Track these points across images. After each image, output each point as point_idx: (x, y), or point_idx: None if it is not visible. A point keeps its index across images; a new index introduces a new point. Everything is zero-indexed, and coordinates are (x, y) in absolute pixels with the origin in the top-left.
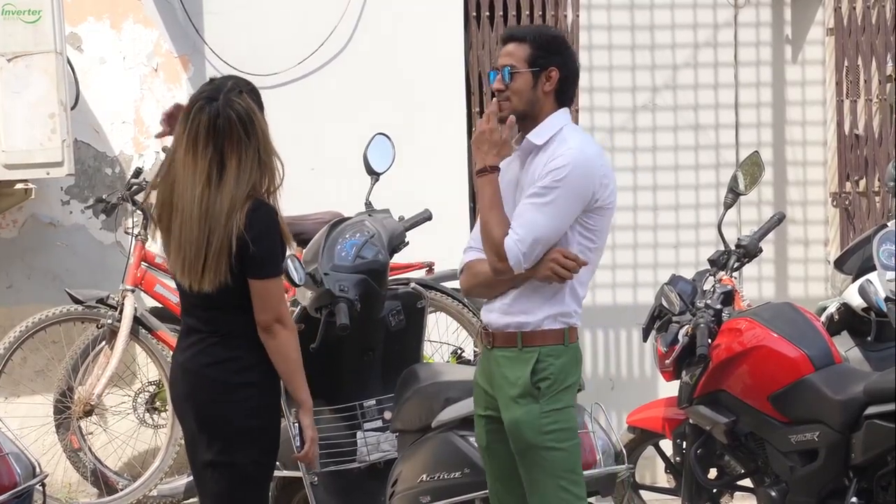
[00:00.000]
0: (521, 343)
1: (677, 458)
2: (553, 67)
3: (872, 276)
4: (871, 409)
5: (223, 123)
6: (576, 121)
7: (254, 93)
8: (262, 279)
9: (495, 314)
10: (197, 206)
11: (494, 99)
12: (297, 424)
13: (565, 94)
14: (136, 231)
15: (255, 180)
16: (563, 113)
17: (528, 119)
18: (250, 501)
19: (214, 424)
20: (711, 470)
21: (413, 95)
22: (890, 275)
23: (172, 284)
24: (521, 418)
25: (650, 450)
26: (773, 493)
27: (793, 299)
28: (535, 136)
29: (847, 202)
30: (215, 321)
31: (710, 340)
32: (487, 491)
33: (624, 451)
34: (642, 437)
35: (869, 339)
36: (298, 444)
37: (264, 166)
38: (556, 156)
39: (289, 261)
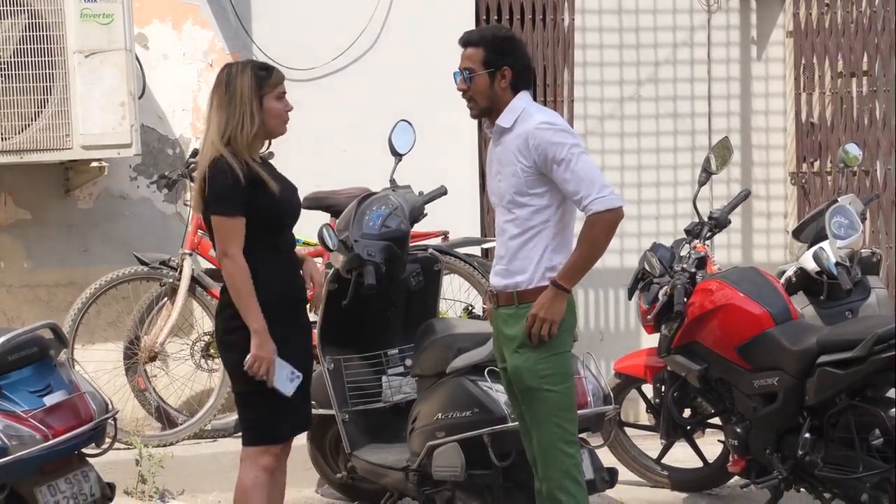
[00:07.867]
0: (518, 301)
1: (657, 400)
2: (506, 66)
3: (825, 244)
4: (822, 358)
5: (218, 77)
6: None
7: (263, 69)
8: (212, 215)
9: (498, 277)
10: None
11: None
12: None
13: (521, 84)
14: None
15: (232, 126)
16: (523, 95)
17: (492, 111)
18: (253, 423)
19: (222, 358)
20: (686, 410)
21: (431, 87)
22: (839, 243)
23: None
24: (521, 365)
25: (634, 393)
26: (739, 430)
27: (756, 264)
28: (503, 120)
29: (804, 181)
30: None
31: (685, 299)
32: (493, 427)
33: (611, 394)
34: (627, 382)
35: (822, 298)
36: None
37: (237, 113)
38: (541, 135)
39: (324, 229)
